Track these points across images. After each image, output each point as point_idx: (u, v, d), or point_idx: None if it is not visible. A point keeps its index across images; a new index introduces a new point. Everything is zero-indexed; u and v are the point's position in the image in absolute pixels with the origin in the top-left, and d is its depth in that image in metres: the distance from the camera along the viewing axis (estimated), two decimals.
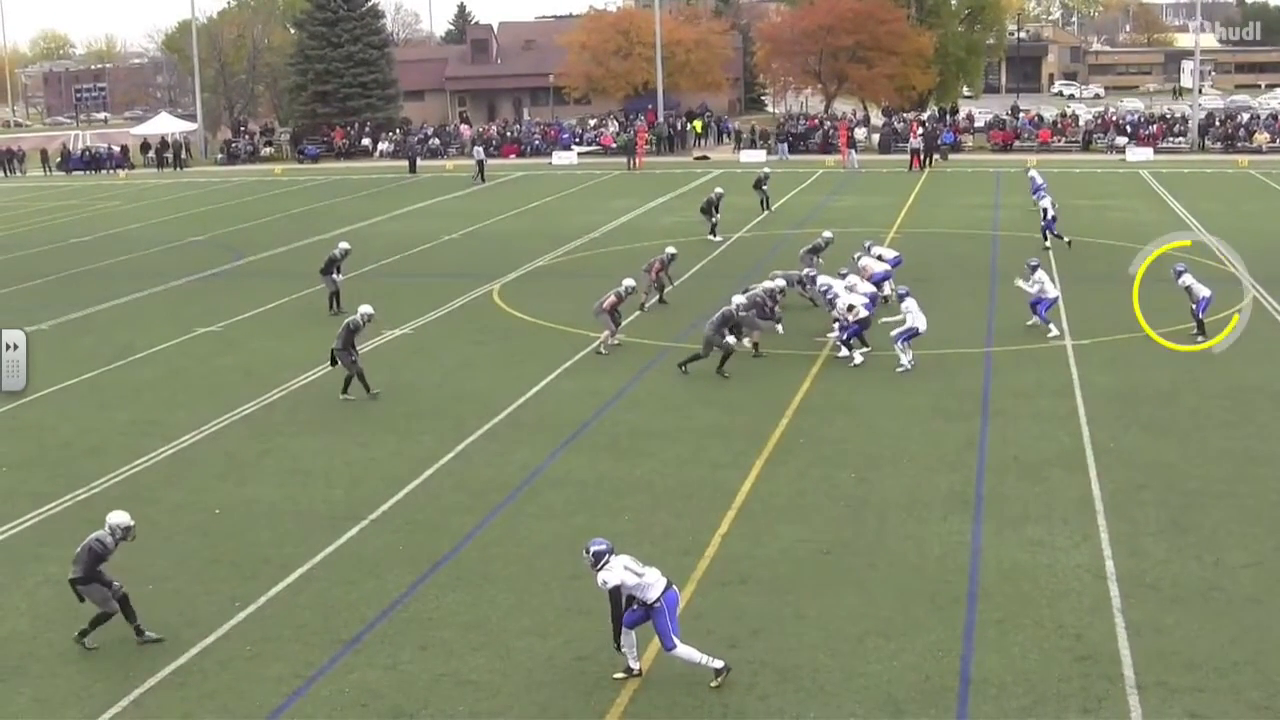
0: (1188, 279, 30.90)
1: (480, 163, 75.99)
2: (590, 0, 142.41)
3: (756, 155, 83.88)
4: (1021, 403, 25.87)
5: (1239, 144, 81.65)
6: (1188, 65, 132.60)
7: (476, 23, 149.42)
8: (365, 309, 28.47)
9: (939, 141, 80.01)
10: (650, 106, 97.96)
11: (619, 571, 15.15)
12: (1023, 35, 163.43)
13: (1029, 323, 31.94)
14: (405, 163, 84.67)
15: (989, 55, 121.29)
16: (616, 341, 31.37)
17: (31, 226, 60.98)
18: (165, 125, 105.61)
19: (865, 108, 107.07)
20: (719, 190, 48.51)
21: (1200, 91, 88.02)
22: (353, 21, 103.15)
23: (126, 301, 40.18)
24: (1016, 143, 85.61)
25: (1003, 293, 34.83)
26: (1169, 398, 26.10)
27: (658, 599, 15.05)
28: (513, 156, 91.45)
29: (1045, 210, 44.58)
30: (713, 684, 14.98)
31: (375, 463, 23.30)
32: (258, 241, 52.08)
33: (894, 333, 29.09)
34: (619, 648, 15.44)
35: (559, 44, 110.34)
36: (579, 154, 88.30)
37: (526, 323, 35.00)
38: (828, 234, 38.43)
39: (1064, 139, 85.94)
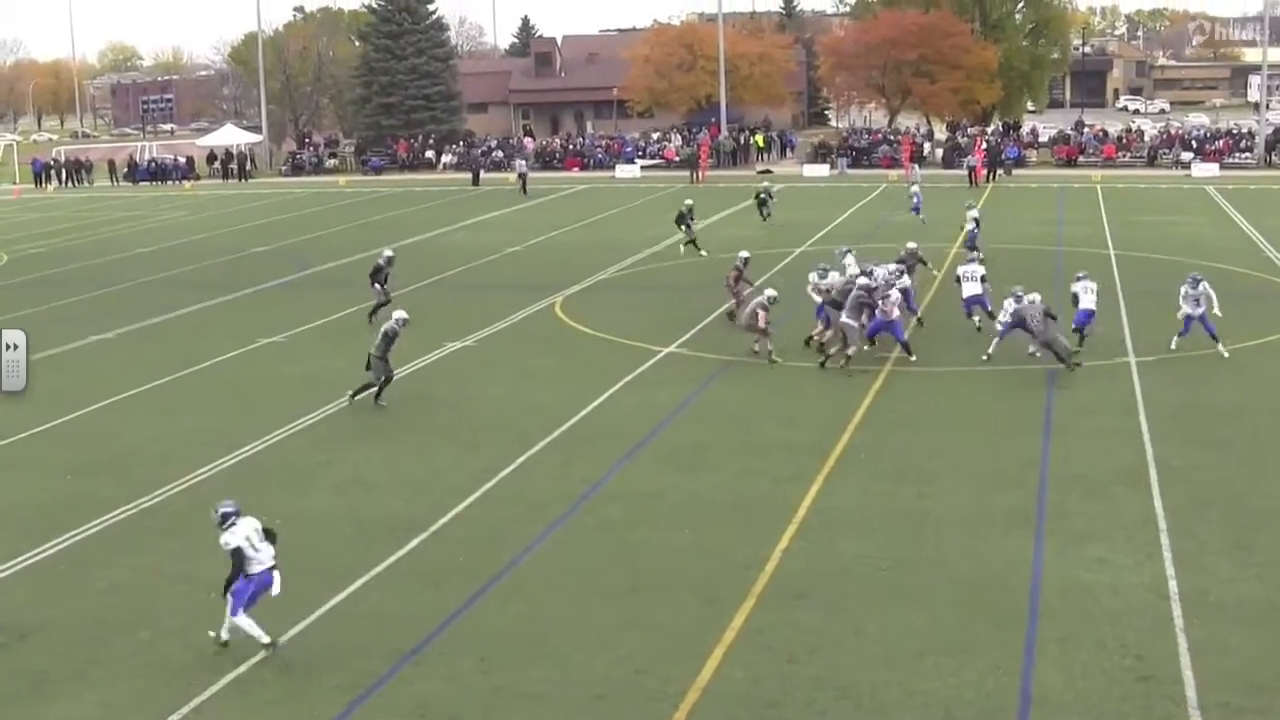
0: (1084, 289, 31.05)
1: (522, 175, 76.06)
2: (654, 13, 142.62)
3: (820, 169, 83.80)
4: (1084, 419, 25.71)
5: None
6: (1255, 80, 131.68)
7: (540, 36, 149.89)
8: (400, 314, 28.84)
9: (1003, 156, 79.66)
10: (713, 120, 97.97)
11: (241, 537, 16.22)
12: (1088, 49, 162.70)
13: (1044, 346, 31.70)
14: (469, 175, 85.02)
15: (1053, 69, 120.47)
16: (770, 349, 31.07)
17: (98, 236, 61.59)
18: (231, 137, 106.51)
19: (929, 122, 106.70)
20: (689, 202, 48.92)
21: (1268, 106, 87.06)
22: (417, 34, 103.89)
23: (191, 311, 40.49)
24: (1081, 158, 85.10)
25: (1068, 308, 34.59)
26: (1234, 415, 25.88)
27: (256, 574, 16.24)
28: (576, 169, 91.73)
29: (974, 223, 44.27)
30: (260, 655, 16.13)
31: (436, 474, 23.37)
32: (322, 252, 52.41)
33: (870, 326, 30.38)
34: (225, 595, 16.33)
35: (622, 57, 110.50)
36: (642, 167, 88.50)
37: (588, 335, 35.07)
38: (911, 245, 37.81)
39: (1129, 154, 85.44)
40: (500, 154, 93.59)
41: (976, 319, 33.55)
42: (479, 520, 20.98)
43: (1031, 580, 17.98)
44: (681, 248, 47.75)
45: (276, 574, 16.47)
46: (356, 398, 28.27)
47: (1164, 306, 36.42)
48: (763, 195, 56.69)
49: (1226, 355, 29.88)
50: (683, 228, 48.32)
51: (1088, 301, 31.45)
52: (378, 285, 37.58)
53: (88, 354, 34.64)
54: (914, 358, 30.49)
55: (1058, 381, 28.67)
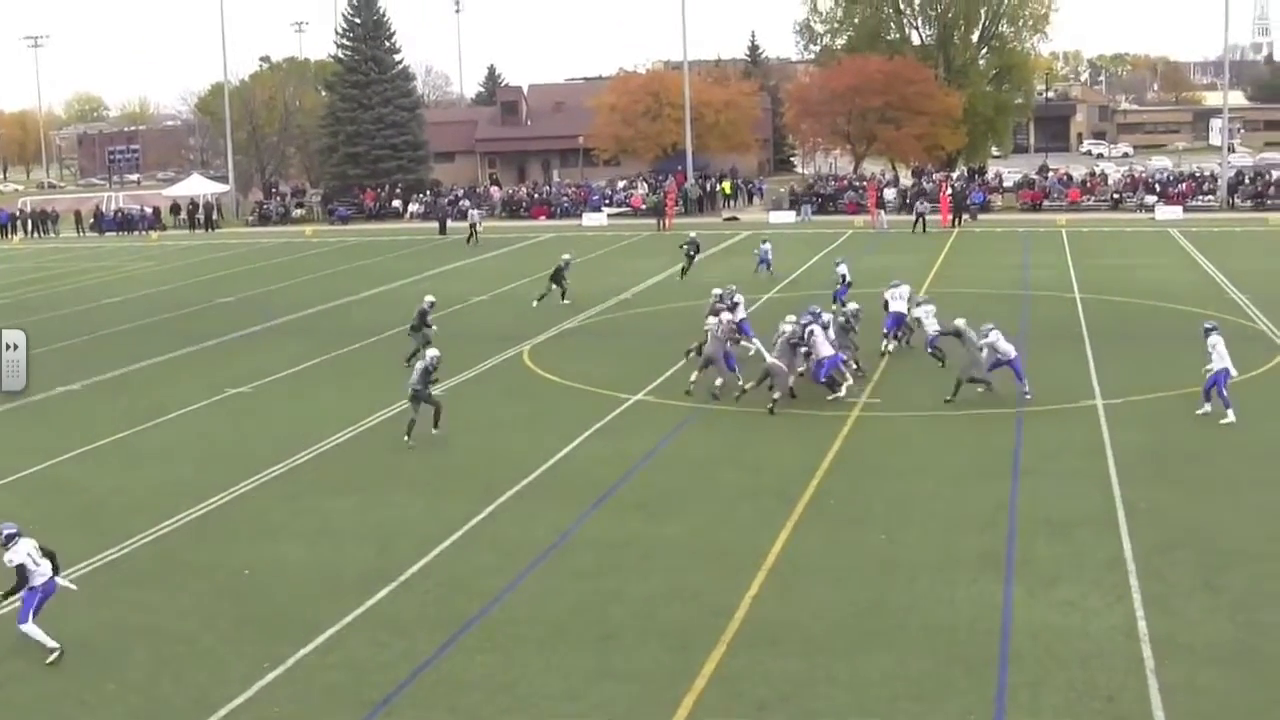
0: (993, 339, 30.87)
1: (474, 225, 76.11)
2: (619, 62, 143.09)
3: (787, 216, 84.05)
4: (1052, 462, 25.79)
5: (1269, 202, 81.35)
6: (1216, 123, 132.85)
7: (506, 85, 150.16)
8: (433, 352, 29.82)
9: (968, 201, 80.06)
10: (679, 168, 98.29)
11: (23, 553, 17.84)
12: (1051, 95, 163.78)
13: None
14: (435, 224, 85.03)
15: (1017, 115, 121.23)
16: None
17: (64, 287, 61.38)
18: (197, 187, 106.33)
19: (894, 168, 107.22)
20: (566, 256, 48.58)
21: (1229, 149, 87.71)
22: (384, 84, 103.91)
23: (158, 362, 40.33)
24: (1046, 202, 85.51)
25: (1033, 352, 34.69)
26: (1201, 457, 26.01)
27: (40, 585, 17.92)
28: (543, 218, 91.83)
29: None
30: (47, 661, 17.55)
31: (406, 523, 23.31)
32: (288, 303, 52.31)
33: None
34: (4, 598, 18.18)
35: (588, 106, 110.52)
36: (609, 215, 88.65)
37: (557, 384, 35.07)
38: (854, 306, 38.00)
39: (1093, 198, 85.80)
40: (467, 203, 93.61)
41: (938, 359, 34.13)
42: (449, 569, 20.92)
43: (1002, 624, 18.00)
44: (532, 302, 47.05)
45: (59, 579, 18.26)
46: (409, 437, 28.82)
47: (1129, 349, 36.71)
48: (688, 248, 54.77)
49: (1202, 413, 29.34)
50: (553, 286, 47.73)
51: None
52: (423, 331, 37.12)
53: (54, 405, 34.45)
54: (841, 392, 31.28)
55: (1025, 424, 28.78)
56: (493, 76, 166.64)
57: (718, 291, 37.00)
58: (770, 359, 30.97)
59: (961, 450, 27.10)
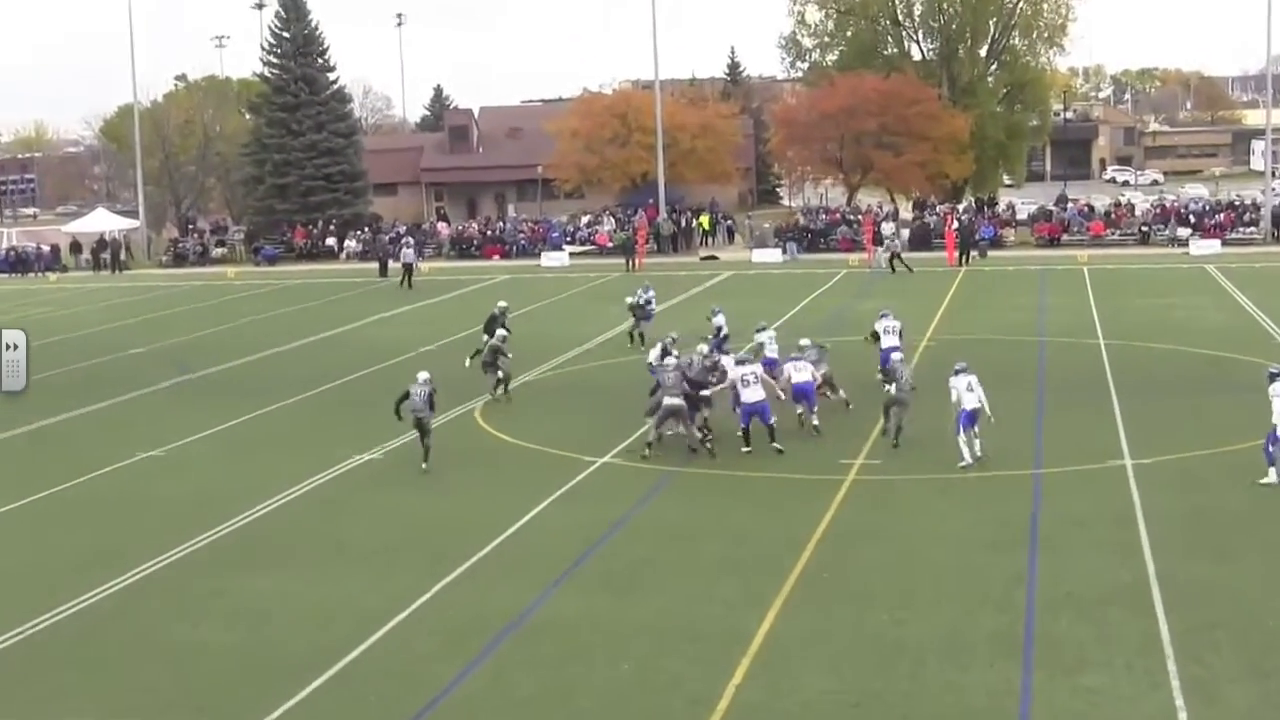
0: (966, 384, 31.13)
1: (407, 266, 76.24)
2: (582, 81, 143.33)
3: (772, 255, 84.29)
4: (1076, 531, 25.82)
5: None
6: (1258, 145, 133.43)
7: (455, 107, 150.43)
8: (424, 374, 33.14)
9: (976, 237, 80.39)
10: (651, 201, 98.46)
11: None
12: (1070, 115, 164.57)
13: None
14: (375, 265, 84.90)
15: (1032, 138, 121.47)
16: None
17: None
18: (103, 222, 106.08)
19: (893, 199, 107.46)
20: (502, 304, 47.19)
21: (1274, 175, 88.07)
22: (316, 107, 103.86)
23: (59, 421, 40.21)
24: (1064, 236, 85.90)
25: (1052, 406, 34.85)
26: (1244, 523, 26.07)
27: None
28: (496, 258, 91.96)
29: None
30: None
31: (343, 603, 23.23)
32: (208, 354, 52.21)
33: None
34: None
35: (547, 131, 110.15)
36: (571, 254, 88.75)
37: (513, 445, 35.05)
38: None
39: (1118, 231, 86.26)
40: (410, 239, 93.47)
41: (799, 410, 35.00)
42: (392, 655, 20.84)
43: (1019, 715, 17.99)
44: (467, 358, 45.89)
45: None
46: (425, 465, 32.26)
47: (1162, 402, 36.78)
48: (638, 303, 50.13)
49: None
50: (486, 336, 46.30)
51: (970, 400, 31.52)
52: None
53: None
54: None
55: (1044, 488, 28.84)
56: (439, 98, 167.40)
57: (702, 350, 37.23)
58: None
59: (972, 517, 27.12)
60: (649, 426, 33.11)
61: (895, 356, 36.23)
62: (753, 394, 32.46)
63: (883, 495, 29.08)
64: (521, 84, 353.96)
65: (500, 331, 41.57)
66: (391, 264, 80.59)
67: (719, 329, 42.95)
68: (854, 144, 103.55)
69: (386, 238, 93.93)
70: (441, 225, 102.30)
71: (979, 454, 30.77)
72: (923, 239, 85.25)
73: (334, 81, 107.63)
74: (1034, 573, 23.53)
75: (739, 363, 33.98)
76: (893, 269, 72.53)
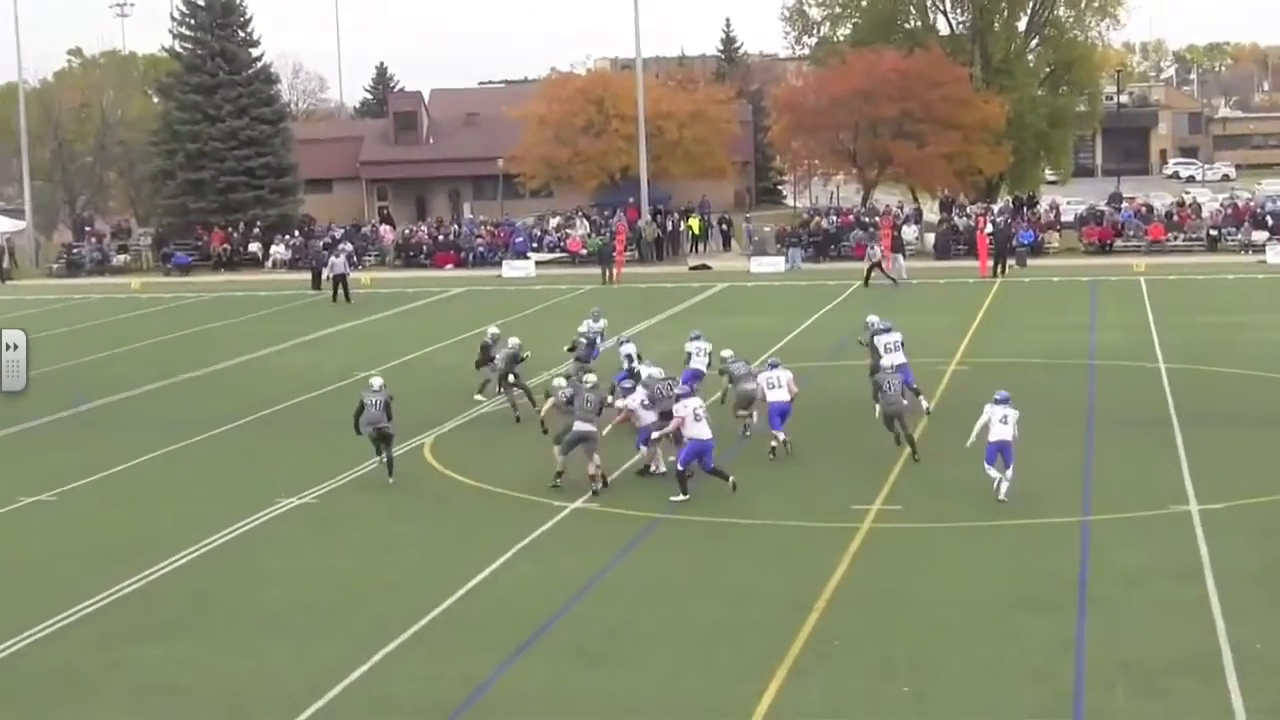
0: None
1: (339, 278, 75.95)
2: (551, 59, 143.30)
3: (773, 264, 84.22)
4: (1132, 589, 25.78)
5: None
6: None
7: (401, 89, 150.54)
8: (377, 380, 35.59)
9: (1014, 242, 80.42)
10: (631, 200, 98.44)
11: None
12: (1125, 99, 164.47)
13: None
14: (308, 275, 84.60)
15: (1079, 126, 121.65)
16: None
17: None
18: None
19: (916, 198, 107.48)
20: (494, 330, 46.49)
21: None
22: (237, 88, 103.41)
23: None
24: (1118, 241, 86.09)
25: (1103, 442, 34.82)
26: None
27: None
28: (450, 266, 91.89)
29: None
30: None
31: (264, 677, 23.12)
32: (107, 380, 52.05)
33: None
34: None
35: (510, 118, 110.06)
36: (538, 263, 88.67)
37: (469, 487, 34.95)
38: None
39: (1182, 236, 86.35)
40: (349, 247, 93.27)
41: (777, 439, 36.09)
42: None
43: None
44: (478, 394, 45.99)
45: None
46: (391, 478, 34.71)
47: (1234, 438, 36.79)
48: (583, 337, 46.36)
49: None
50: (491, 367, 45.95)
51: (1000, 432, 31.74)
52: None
53: None
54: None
55: (1093, 538, 28.79)
56: (383, 79, 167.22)
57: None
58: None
59: (1010, 573, 27.07)
60: (556, 453, 33.91)
61: (891, 368, 37.91)
62: (701, 430, 32.62)
63: (904, 546, 29.03)
64: (479, 63, 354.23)
65: (506, 351, 42.68)
66: (326, 274, 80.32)
67: (629, 358, 42.26)
68: (869, 133, 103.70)
69: (321, 243, 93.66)
70: (385, 228, 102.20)
71: (1002, 497, 30.86)
72: (947, 245, 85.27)
73: (258, 58, 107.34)
74: (1082, 639, 23.47)
75: (685, 396, 33.99)
76: (866, 283, 72.73)
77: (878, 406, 36.72)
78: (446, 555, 29.24)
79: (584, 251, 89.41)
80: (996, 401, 31.42)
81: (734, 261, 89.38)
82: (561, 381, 35.48)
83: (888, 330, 40.96)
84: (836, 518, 30.67)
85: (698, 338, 41.67)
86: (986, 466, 31.17)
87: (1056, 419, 39.24)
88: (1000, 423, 31.03)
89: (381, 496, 34.18)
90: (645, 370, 37.91)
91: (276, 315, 70.88)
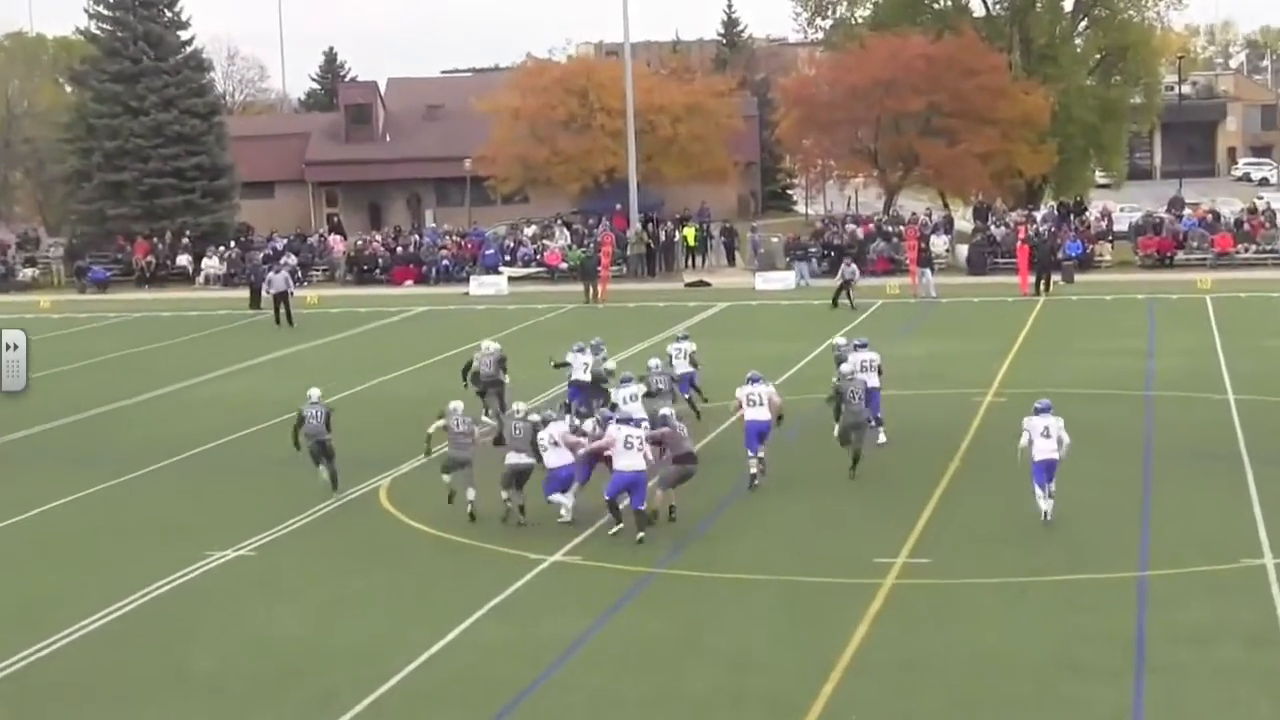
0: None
1: (279, 296, 75.74)
2: (526, 44, 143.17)
3: (781, 280, 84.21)
4: (1197, 652, 25.78)
5: None
6: None
7: (353, 79, 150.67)
8: (315, 391, 37.59)
9: (1059, 255, 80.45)
10: (619, 207, 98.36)
11: None
12: (1188, 90, 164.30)
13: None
14: (245, 292, 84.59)
15: (1135, 122, 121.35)
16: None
17: None
18: None
19: (946, 204, 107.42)
20: (491, 345, 47.18)
21: None
22: (163, 76, 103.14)
23: None
24: (1180, 254, 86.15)
25: (1161, 482, 34.85)
26: None
27: None
28: (409, 283, 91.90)
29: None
30: None
31: None
32: (11, 415, 52.01)
33: None
34: None
35: (479, 112, 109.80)
36: (510, 279, 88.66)
37: (431, 537, 34.94)
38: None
39: (1254, 247, 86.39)
40: (292, 260, 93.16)
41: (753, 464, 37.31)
42: None
43: None
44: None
45: None
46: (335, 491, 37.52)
47: None
48: (596, 373, 45.25)
49: None
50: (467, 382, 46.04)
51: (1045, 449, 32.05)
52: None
53: None
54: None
55: (1152, 595, 28.80)
56: (332, 66, 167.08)
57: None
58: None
59: (1056, 634, 27.06)
60: (504, 495, 35.05)
61: (854, 374, 38.89)
62: (633, 460, 33.10)
63: (934, 605, 29.02)
64: (444, 49, 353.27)
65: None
66: (265, 291, 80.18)
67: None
68: (892, 129, 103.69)
69: (260, 256, 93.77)
70: (334, 239, 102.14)
71: (1049, 519, 31.06)
72: (982, 259, 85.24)
73: (188, 42, 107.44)
74: (1140, 709, 23.49)
75: (621, 421, 34.74)
76: (834, 303, 73.15)
77: (837, 425, 37.51)
78: (405, 616, 29.21)
79: (564, 266, 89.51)
80: (1037, 411, 31.51)
81: (737, 277, 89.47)
82: (457, 405, 36.88)
83: (864, 346, 41.81)
84: (855, 572, 30.65)
85: (684, 338, 43.57)
86: (1035, 495, 31.22)
87: (1109, 457, 39.29)
88: (1043, 436, 31.10)
89: (330, 548, 34.17)
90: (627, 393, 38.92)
91: (209, 339, 70.90)
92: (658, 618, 28.88)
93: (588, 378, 42.54)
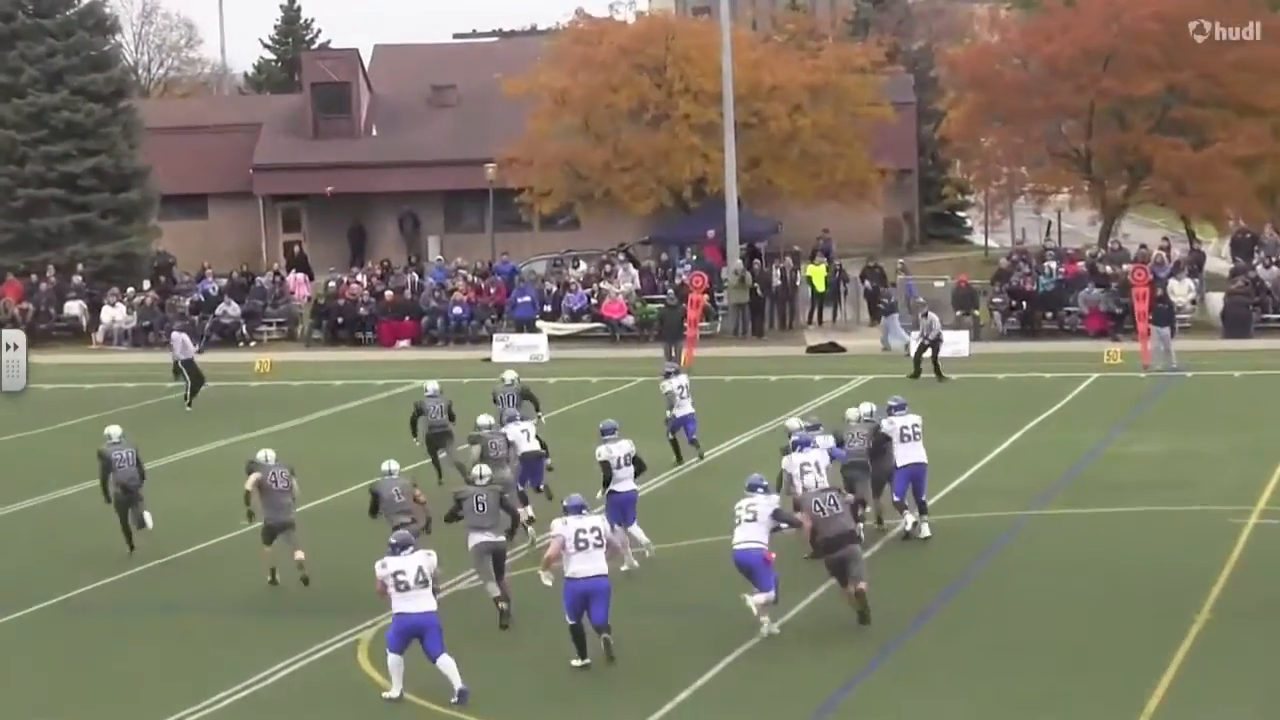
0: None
1: (184, 365, 75.98)
2: (574, 1, 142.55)
3: (955, 341, 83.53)
4: None
5: None
6: None
7: (324, 45, 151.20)
8: (114, 430, 40.78)
9: None
10: (712, 234, 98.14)
11: None
12: None
13: None
14: (166, 356, 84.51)
15: None
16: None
17: None
18: None
19: (1191, 235, 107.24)
20: (511, 374, 49.92)
21: None
22: (46, 40, 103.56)
23: None
24: None
25: None
26: None
27: None
28: (403, 343, 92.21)
29: None
30: None
31: None
32: None
33: None
34: None
35: (507, 94, 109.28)
36: (551, 337, 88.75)
37: (423, 710, 34.94)
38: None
39: None
40: (234, 306, 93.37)
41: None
42: None
43: None
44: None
45: None
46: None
47: None
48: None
49: None
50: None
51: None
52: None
53: None
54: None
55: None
56: (293, 28, 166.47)
57: None
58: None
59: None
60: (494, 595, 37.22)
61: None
62: (590, 564, 33.66)
63: (942, 666, 30.84)
64: (454, 5, 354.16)
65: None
66: (219, 355, 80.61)
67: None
68: (1113, 123, 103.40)
69: (187, 302, 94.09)
70: (296, 278, 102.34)
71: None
72: (1246, 314, 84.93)
73: None
74: None
75: (577, 509, 35.18)
76: (916, 372, 74.51)
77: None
78: None
79: (630, 320, 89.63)
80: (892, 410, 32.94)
81: (875, 337, 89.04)
82: (268, 453, 39.95)
83: (901, 408, 43.25)
84: (830, 640, 31.37)
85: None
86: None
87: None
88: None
89: (292, 711, 34.29)
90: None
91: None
92: None
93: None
